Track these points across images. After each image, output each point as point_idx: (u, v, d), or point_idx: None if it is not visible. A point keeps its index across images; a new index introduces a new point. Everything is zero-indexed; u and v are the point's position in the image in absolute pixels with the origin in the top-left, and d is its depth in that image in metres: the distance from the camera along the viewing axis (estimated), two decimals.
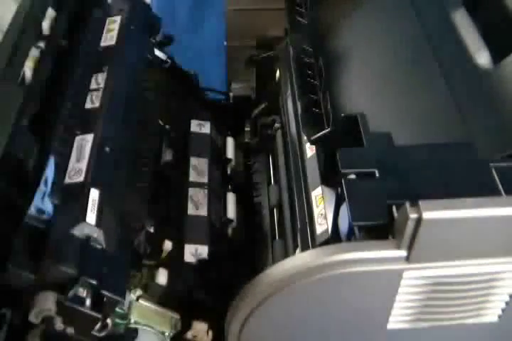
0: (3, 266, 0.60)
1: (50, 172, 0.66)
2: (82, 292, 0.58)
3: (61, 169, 0.68)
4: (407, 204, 0.48)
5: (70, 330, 0.59)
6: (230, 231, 0.88)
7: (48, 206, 0.63)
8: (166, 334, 0.69)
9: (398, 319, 0.57)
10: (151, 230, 0.76)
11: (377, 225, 0.51)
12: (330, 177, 0.69)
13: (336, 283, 0.52)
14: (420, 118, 0.66)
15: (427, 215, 0.47)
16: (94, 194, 0.66)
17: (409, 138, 0.62)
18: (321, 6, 0.86)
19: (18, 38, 0.75)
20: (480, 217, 0.48)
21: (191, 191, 0.85)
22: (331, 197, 0.68)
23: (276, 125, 0.98)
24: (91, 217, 0.64)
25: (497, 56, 0.64)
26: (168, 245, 0.76)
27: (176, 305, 0.72)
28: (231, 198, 0.91)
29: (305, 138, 0.75)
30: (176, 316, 0.71)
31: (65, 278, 0.59)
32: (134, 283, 0.69)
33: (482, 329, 0.59)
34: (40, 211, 0.63)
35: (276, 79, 0.98)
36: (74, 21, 0.85)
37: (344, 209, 0.58)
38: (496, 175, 0.53)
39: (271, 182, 0.94)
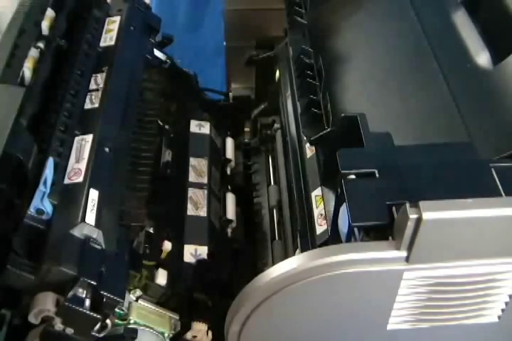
0: (3, 267, 0.60)
1: (49, 172, 0.66)
2: (82, 292, 0.58)
3: (60, 169, 0.68)
4: (407, 205, 0.48)
5: (70, 331, 0.58)
6: (229, 231, 0.88)
7: (48, 206, 0.63)
8: (166, 334, 0.69)
9: (398, 319, 0.57)
10: (151, 230, 0.76)
11: (377, 226, 0.51)
12: (330, 178, 0.69)
13: (335, 283, 0.52)
14: (420, 118, 0.66)
15: (426, 216, 0.47)
16: (93, 194, 0.66)
17: (409, 138, 0.62)
18: (321, 7, 0.86)
19: (17, 38, 0.75)
20: (480, 217, 0.48)
21: (191, 191, 0.85)
22: (330, 197, 0.68)
23: (276, 125, 0.98)
24: (90, 217, 0.64)
25: (497, 56, 0.64)
26: (167, 245, 0.76)
27: (176, 305, 0.72)
28: (230, 198, 0.91)
29: (305, 138, 0.75)
30: (176, 316, 0.71)
31: (64, 278, 0.59)
32: (134, 284, 0.69)
33: (482, 330, 0.59)
34: (40, 211, 0.63)
35: (276, 79, 0.98)
36: (73, 21, 0.85)
37: (344, 210, 0.58)
38: (495, 176, 0.52)
39: (270, 183, 0.94)
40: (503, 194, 0.51)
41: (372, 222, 0.51)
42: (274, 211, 0.90)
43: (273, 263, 0.53)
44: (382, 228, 0.51)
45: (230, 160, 0.98)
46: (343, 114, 0.63)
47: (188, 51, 1.24)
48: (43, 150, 0.69)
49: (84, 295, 0.58)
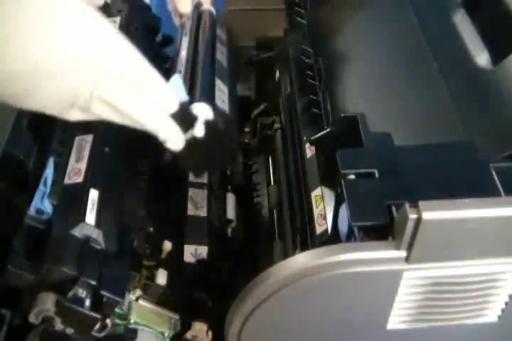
0: (3, 267, 0.60)
1: (49, 172, 0.66)
2: (82, 292, 0.58)
3: (61, 169, 0.68)
4: (407, 205, 0.48)
5: (70, 331, 0.59)
6: (229, 231, 0.88)
7: (48, 206, 0.63)
8: (166, 334, 0.69)
9: (398, 319, 0.57)
10: (151, 230, 0.76)
11: (377, 225, 0.51)
12: (329, 178, 0.69)
13: (335, 283, 0.52)
14: (420, 118, 0.66)
15: (426, 216, 0.47)
16: (93, 194, 0.66)
17: (409, 138, 0.62)
18: (321, 7, 0.86)
19: None
20: (480, 217, 0.48)
21: (191, 191, 0.85)
22: (330, 197, 0.68)
23: (276, 125, 0.98)
24: (90, 217, 0.64)
25: (497, 56, 0.64)
26: (167, 245, 0.76)
27: (176, 305, 0.72)
28: (231, 198, 0.91)
29: (305, 138, 0.75)
30: (176, 316, 0.71)
31: (64, 278, 0.59)
32: (134, 284, 0.69)
33: (482, 330, 0.59)
34: (40, 211, 0.63)
35: (276, 79, 0.98)
36: None
37: (344, 210, 0.58)
38: (495, 176, 0.52)
39: (270, 183, 0.94)
40: (503, 194, 0.51)
41: (372, 222, 0.51)
42: (274, 211, 0.90)
43: (273, 263, 0.53)
44: (382, 228, 0.51)
45: None
46: (342, 114, 0.63)
47: None
48: (44, 150, 0.69)
49: (84, 295, 0.58)
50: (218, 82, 0.72)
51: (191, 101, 0.61)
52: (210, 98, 0.66)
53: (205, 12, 0.87)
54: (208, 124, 0.61)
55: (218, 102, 0.67)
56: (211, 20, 0.85)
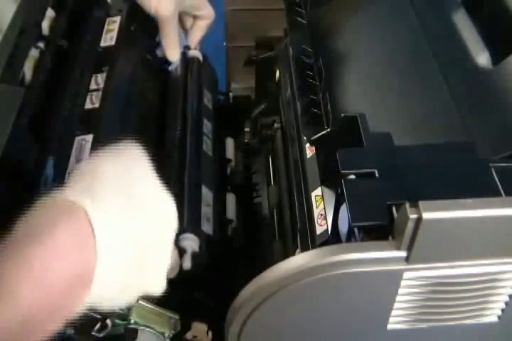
0: None
1: (49, 172, 0.66)
2: None
3: (61, 169, 0.68)
4: (407, 205, 0.48)
5: (70, 331, 0.59)
6: (229, 231, 0.88)
7: None
8: (166, 334, 0.69)
9: (398, 319, 0.57)
10: None
11: (377, 226, 0.51)
12: (329, 178, 0.69)
13: (335, 283, 0.52)
14: (420, 118, 0.66)
15: (426, 216, 0.47)
16: None
17: (409, 138, 0.62)
18: (321, 7, 0.86)
19: (17, 38, 0.75)
20: (480, 217, 0.48)
21: None
22: (330, 197, 0.68)
23: (276, 125, 0.98)
24: None
25: (497, 56, 0.64)
26: None
27: (176, 305, 0.72)
28: (231, 198, 0.91)
29: (305, 138, 0.75)
30: (176, 317, 0.71)
31: None
32: None
33: (482, 330, 0.59)
34: None
35: (276, 79, 0.98)
36: (74, 22, 0.85)
37: (344, 210, 0.58)
38: (495, 176, 0.52)
39: (271, 183, 0.94)
40: (503, 194, 0.51)
41: (372, 222, 0.51)
42: (274, 211, 0.90)
43: (273, 263, 0.53)
44: (382, 228, 0.51)
45: (230, 160, 0.97)
46: (343, 114, 0.63)
47: None
48: (44, 150, 0.69)
49: None
50: (205, 190, 0.75)
51: (180, 229, 0.62)
52: (197, 221, 0.69)
53: (193, 59, 0.91)
54: (193, 255, 0.65)
55: (204, 224, 0.70)
56: (198, 73, 0.89)
